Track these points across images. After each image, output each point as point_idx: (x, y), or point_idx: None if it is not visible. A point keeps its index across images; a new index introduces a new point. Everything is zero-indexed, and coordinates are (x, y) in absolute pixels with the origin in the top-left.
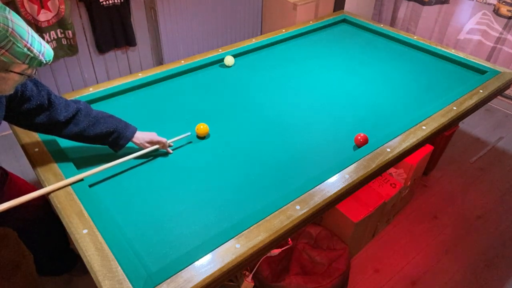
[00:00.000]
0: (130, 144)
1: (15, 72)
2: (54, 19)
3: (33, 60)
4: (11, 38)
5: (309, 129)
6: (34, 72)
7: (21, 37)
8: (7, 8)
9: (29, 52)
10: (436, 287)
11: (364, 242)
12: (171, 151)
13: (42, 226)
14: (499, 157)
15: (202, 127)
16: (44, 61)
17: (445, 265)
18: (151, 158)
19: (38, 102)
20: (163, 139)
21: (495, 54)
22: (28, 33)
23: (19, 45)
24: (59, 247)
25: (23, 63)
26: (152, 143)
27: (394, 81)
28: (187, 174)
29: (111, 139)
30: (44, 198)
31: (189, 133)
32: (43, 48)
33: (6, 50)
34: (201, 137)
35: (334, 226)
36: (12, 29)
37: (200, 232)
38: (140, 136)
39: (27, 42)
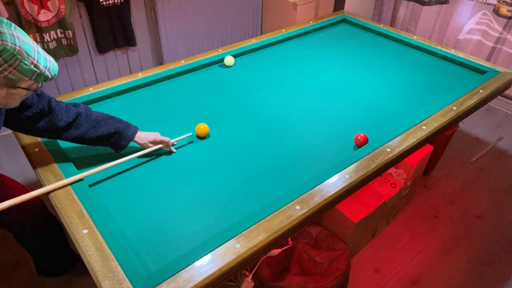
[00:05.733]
0: (131, 144)
1: (22, 88)
2: (54, 19)
3: (40, 76)
4: (18, 57)
5: (309, 129)
6: (39, 86)
7: (27, 54)
8: (13, 24)
9: (35, 69)
10: (436, 287)
11: (364, 242)
12: (174, 150)
13: (39, 228)
14: (499, 157)
15: (202, 127)
16: (50, 76)
17: (445, 265)
18: (151, 158)
19: (38, 110)
20: (166, 139)
21: (495, 54)
22: (34, 49)
23: (26, 62)
24: (58, 248)
25: (30, 79)
26: (155, 142)
27: (394, 81)
28: (187, 174)
29: (113, 140)
30: (40, 200)
31: (190, 134)
32: (49, 64)
33: (14, 68)
34: (201, 137)
35: (334, 226)
36: (19, 47)
37: (200, 232)
38: (143, 136)
39: (34, 59)
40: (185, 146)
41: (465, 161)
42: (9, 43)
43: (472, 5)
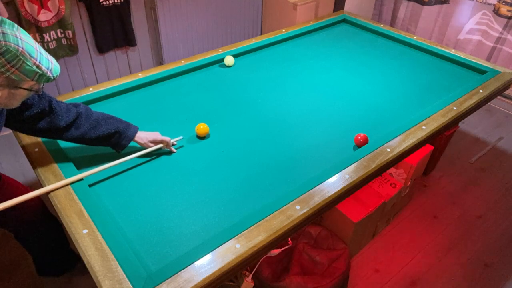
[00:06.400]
0: (132, 144)
1: (23, 88)
2: (54, 19)
3: (42, 77)
4: (21, 57)
5: (309, 129)
6: (41, 87)
7: (30, 55)
8: (15, 25)
9: (38, 70)
10: (436, 287)
11: (364, 242)
12: (174, 150)
13: (39, 228)
14: (499, 157)
15: (202, 127)
16: (52, 77)
17: (445, 265)
18: (151, 158)
19: (39, 110)
20: (167, 138)
21: (495, 54)
22: (37, 50)
23: (28, 63)
24: (58, 248)
25: (32, 80)
26: (155, 142)
27: (394, 81)
28: (187, 174)
29: (113, 140)
30: (41, 200)
31: (181, 137)
32: (51, 65)
33: (16, 69)
34: (201, 137)
35: (334, 226)
36: (22, 48)
37: (200, 232)
38: (143, 136)
39: (36, 60)
40: (185, 146)
41: (465, 161)
42: (12, 44)
43: (472, 5)
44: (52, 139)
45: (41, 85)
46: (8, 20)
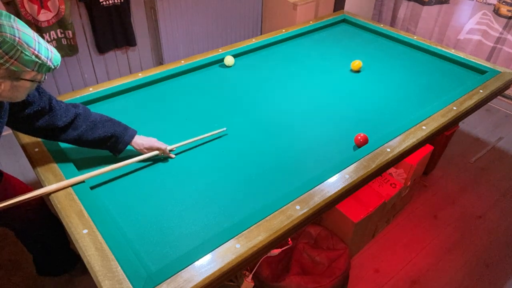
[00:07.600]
0: (130, 148)
1: (26, 80)
2: (54, 19)
3: (42, 67)
4: (18, 48)
5: (309, 129)
6: (44, 77)
7: (28, 45)
8: (12, 16)
9: (37, 59)
10: (436, 287)
11: (364, 242)
12: (173, 156)
13: (40, 227)
14: (499, 157)
15: (357, 63)
16: (53, 66)
17: (445, 265)
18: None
19: (40, 107)
20: (163, 146)
21: (495, 54)
22: (35, 40)
23: (27, 53)
24: (58, 248)
25: (33, 70)
26: (151, 149)
27: (394, 81)
28: (187, 174)
29: (110, 144)
30: (42, 199)
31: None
32: (50, 54)
33: (15, 60)
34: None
35: (334, 226)
36: (19, 38)
37: (200, 232)
38: (139, 142)
39: (35, 50)
40: (184, 146)
41: (465, 161)
42: (8, 35)
43: (472, 5)
44: (50, 139)
45: (44, 76)
46: (4, 12)
